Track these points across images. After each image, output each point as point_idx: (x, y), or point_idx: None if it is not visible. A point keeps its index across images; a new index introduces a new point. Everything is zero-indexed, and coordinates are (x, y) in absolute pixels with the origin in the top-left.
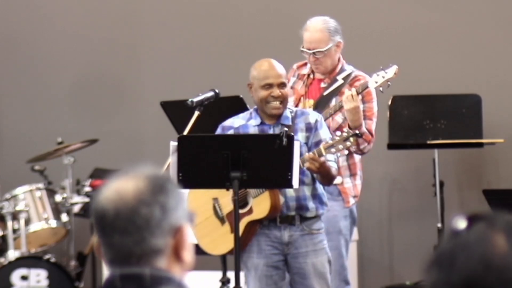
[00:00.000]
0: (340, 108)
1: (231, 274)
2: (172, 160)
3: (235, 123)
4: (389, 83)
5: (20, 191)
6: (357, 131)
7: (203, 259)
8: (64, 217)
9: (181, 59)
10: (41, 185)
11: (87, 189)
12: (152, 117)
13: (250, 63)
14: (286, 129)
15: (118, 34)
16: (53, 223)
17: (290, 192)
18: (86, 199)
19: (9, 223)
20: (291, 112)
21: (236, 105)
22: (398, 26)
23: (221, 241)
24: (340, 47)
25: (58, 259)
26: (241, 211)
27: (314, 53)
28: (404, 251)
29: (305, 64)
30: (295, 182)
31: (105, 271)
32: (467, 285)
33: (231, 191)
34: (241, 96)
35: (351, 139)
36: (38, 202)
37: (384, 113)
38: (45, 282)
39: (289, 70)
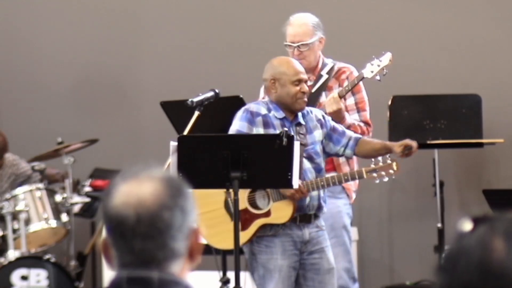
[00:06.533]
0: (352, 88)
1: (231, 274)
2: (172, 160)
3: (261, 110)
4: (385, 70)
5: (20, 191)
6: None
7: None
8: (64, 217)
9: (181, 59)
10: (41, 185)
11: (87, 189)
12: (152, 117)
13: (250, 63)
14: (286, 129)
15: (118, 34)
16: (53, 223)
17: (314, 191)
18: (86, 199)
19: (9, 223)
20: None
21: (236, 105)
22: (398, 26)
23: (228, 236)
24: (323, 43)
25: (58, 259)
26: (256, 211)
27: (298, 46)
28: (404, 251)
29: None
30: (295, 182)
31: (105, 271)
32: None
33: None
34: (241, 96)
35: (394, 167)
36: (38, 202)
37: (384, 113)
38: (45, 282)
39: None
